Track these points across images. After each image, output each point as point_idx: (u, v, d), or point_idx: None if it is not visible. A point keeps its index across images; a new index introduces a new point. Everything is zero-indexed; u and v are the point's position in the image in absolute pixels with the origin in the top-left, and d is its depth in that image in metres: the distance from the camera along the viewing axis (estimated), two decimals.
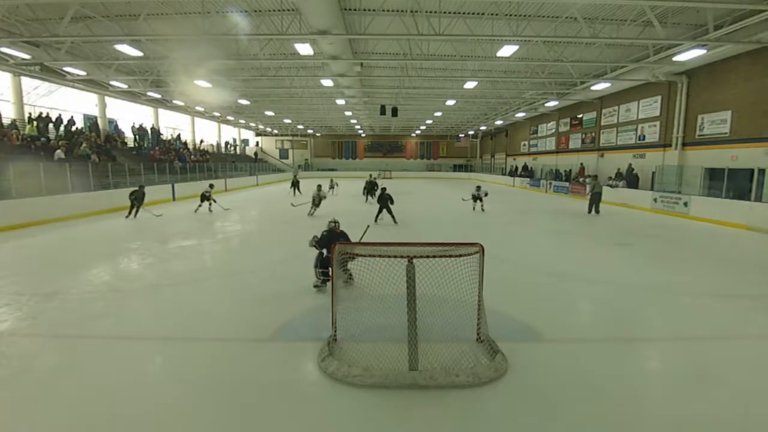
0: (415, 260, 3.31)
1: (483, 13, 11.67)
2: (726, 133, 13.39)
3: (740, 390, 3.20)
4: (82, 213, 12.52)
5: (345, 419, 2.86)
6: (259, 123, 37.75)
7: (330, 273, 4.27)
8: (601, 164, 20.77)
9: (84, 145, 16.54)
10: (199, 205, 13.83)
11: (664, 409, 2.95)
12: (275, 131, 43.20)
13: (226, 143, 37.32)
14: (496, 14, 11.44)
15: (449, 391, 3.13)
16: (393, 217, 11.10)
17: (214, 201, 13.93)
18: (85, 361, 3.65)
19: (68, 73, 16.33)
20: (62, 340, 4.10)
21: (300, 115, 31.99)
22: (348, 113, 29.11)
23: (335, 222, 5.70)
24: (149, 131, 24.26)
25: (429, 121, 34.66)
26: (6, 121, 15.79)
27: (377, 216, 11.14)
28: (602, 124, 20.83)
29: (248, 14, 11.77)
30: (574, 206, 16.54)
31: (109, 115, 21.93)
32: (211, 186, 14.51)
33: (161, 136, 25.65)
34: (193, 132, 31.38)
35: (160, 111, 26.41)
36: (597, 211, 13.59)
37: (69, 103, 20.10)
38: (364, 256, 3.76)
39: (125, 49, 12.23)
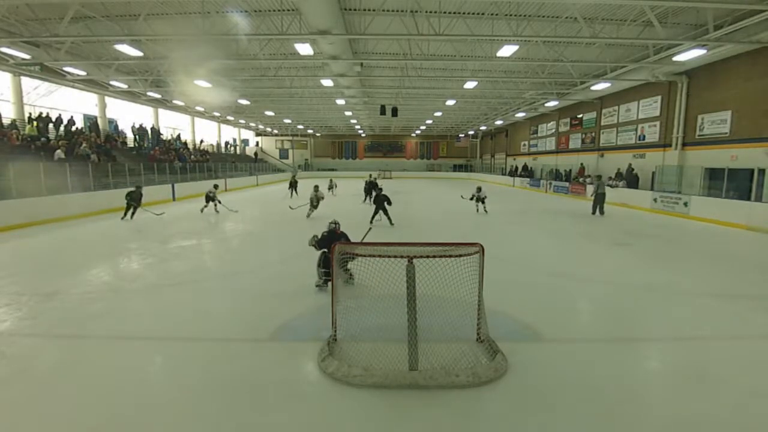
0: (415, 260, 3.31)
1: (483, 13, 11.67)
2: (726, 133, 13.39)
3: (740, 390, 3.19)
4: (82, 213, 12.51)
5: (345, 419, 2.86)
6: (259, 123, 37.76)
7: (331, 273, 4.27)
8: (601, 164, 20.77)
9: (84, 145, 16.54)
10: (205, 206, 13.63)
11: (664, 409, 2.95)
12: (275, 131, 43.20)
13: (226, 143, 37.32)
14: (496, 14, 11.44)
15: (449, 391, 3.13)
16: (389, 218, 10.90)
17: (219, 202, 13.71)
18: (85, 361, 3.65)
19: (68, 73, 16.33)
20: (62, 340, 4.10)
21: (300, 115, 32.00)
22: (348, 113, 29.11)
23: (336, 223, 5.70)
24: (149, 131, 24.27)
25: (429, 121, 34.67)
26: (6, 121, 15.79)
27: (372, 217, 10.90)
28: (602, 124, 20.82)
29: (248, 14, 11.77)
30: (574, 206, 16.54)
31: (109, 115, 21.93)
32: (216, 186, 14.27)
33: (161, 136, 25.65)
34: (193, 132, 31.39)
35: (160, 111, 26.42)
36: (602, 212, 13.38)
37: (69, 103, 20.11)
38: (365, 256, 3.76)
39: (125, 49, 12.23)
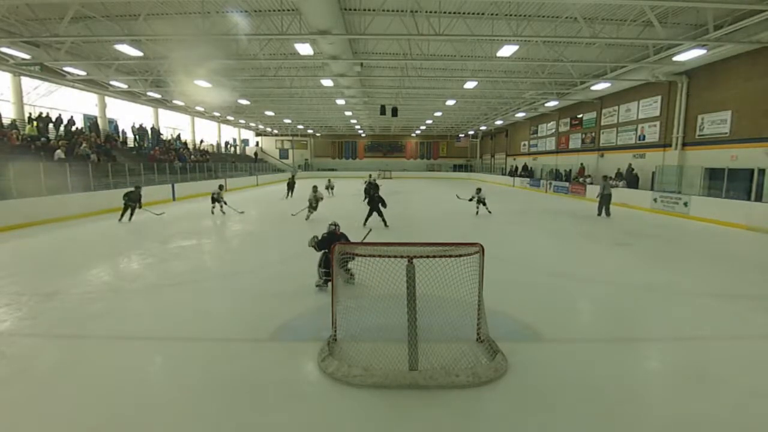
0: (415, 260, 3.31)
1: (483, 13, 11.67)
2: (726, 133, 13.39)
3: (740, 390, 3.19)
4: (82, 213, 12.51)
5: (345, 419, 2.86)
6: (259, 123, 37.76)
7: (332, 273, 4.28)
8: (601, 164, 20.77)
9: (84, 145, 16.54)
10: (213, 207, 13.45)
11: (664, 409, 2.95)
12: (275, 131, 43.20)
13: (226, 143, 37.32)
14: (496, 14, 11.44)
15: (449, 391, 3.13)
16: (384, 220, 10.57)
17: (225, 203, 13.52)
18: (85, 361, 3.65)
19: (68, 73, 16.33)
20: (62, 340, 4.10)
21: (300, 115, 32.00)
22: (348, 113, 29.11)
23: (335, 225, 5.71)
24: (149, 131, 24.27)
25: (429, 121, 34.67)
26: (6, 121, 15.79)
27: (366, 219, 10.43)
28: (602, 124, 20.82)
29: (248, 14, 11.77)
30: (574, 206, 16.54)
31: (109, 115, 21.94)
32: (221, 187, 13.99)
33: (161, 136, 25.65)
34: (193, 132, 31.39)
35: (160, 111, 26.42)
36: (608, 213, 13.08)
37: (69, 103, 20.11)
38: (365, 256, 3.76)
39: (125, 49, 12.23)
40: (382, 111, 21.13)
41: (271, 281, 6.08)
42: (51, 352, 3.86)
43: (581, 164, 22.14)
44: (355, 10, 11.56)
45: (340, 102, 22.83)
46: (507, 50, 12.10)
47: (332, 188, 20.76)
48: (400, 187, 27.44)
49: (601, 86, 17.43)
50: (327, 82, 17.35)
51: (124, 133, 22.73)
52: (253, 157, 39.34)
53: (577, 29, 12.09)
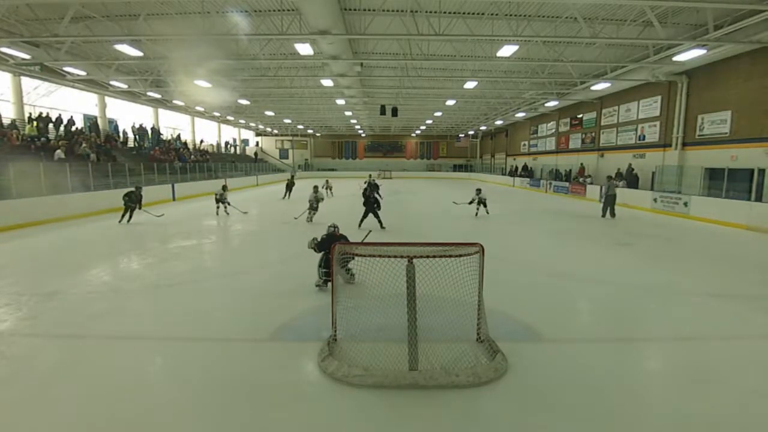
0: (415, 260, 3.31)
1: (483, 13, 11.67)
2: (726, 133, 13.39)
3: (740, 390, 3.19)
4: (82, 213, 12.51)
5: (345, 419, 2.86)
6: (259, 123, 37.76)
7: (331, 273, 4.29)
8: (601, 164, 20.78)
9: (84, 145, 16.54)
10: (217, 207, 13.30)
11: (664, 409, 2.95)
12: (275, 131, 43.20)
13: (226, 143, 37.32)
14: (496, 14, 11.44)
15: (449, 391, 3.13)
16: (380, 221, 10.29)
17: (229, 203, 13.39)
18: (85, 361, 3.65)
19: (68, 73, 16.33)
20: (62, 340, 4.10)
21: (300, 115, 32.00)
22: (348, 113, 29.11)
23: (334, 227, 5.70)
24: (149, 131, 24.27)
25: (429, 121, 34.67)
26: (6, 121, 15.78)
27: (361, 221, 10.24)
28: (602, 124, 20.83)
29: (248, 14, 11.78)
30: (574, 206, 16.55)
31: (109, 115, 21.94)
32: (224, 188, 13.78)
33: (161, 136, 25.65)
34: (193, 132, 31.39)
35: (160, 111, 26.41)
36: (612, 214, 12.75)
37: (69, 103, 20.11)
38: (365, 256, 3.76)
39: (125, 49, 12.23)
40: (382, 111, 21.12)
41: (271, 281, 6.08)
42: (51, 352, 3.86)
43: (581, 164, 22.14)
44: (355, 10, 11.56)
45: (340, 102, 22.83)
46: (507, 50, 12.09)
47: (330, 188, 20.42)
48: (400, 187, 27.45)
49: (601, 86, 17.43)
50: (327, 82, 17.35)
51: (124, 133, 22.73)
52: (253, 157, 39.34)
53: (577, 29, 12.09)
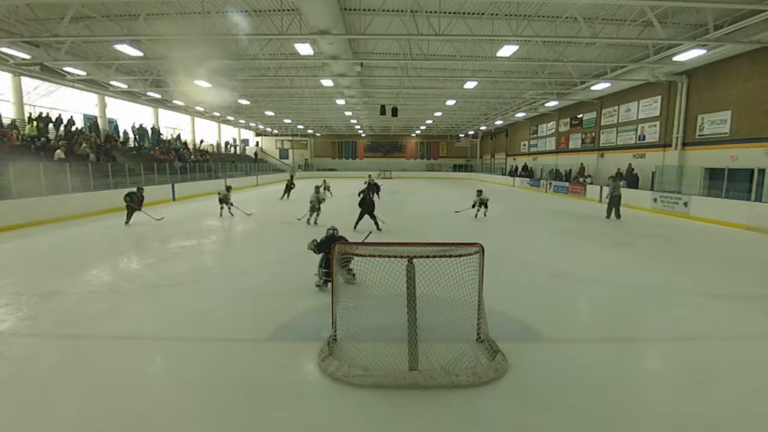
0: (415, 260, 3.31)
1: (483, 13, 11.67)
2: (726, 133, 13.39)
3: (740, 390, 3.19)
4: (82, 213, 12.50)
5: (345, 419, 2.86)
6: (259, 123, 37.75)
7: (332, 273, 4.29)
8: (601, 164, 20.78)
9: (84, 145, 16.53)
10: (221, 208, 13.12)
11: (664, 409, 2.95)
12: (275, 131, 43.19)
13: (226, 143, 37.31)
14: (496, 14, 11.44)
15: (449, 391, 3.13)
16: (377, 223, 10.17)
17: (232, 204, 13.20)
18: (85, 361, 3.64)
19: (68, 73, 16.33)
20: (62, 340, 4.10)
21: (300, 115, 31.99)
22: (348, 113, 29.11)
23: (334, 229, 5.71)
24: (149, 131, 24.27)
25: (429, 121, 34.67)
26: (6, 121, 15.78)
27: (357, 223, 10.10)
28: (602, 124, 20.83)
29: (248, 14, 11.78)
30: (574, 206, 16.55)
31: (109, 115, 21.93)
32: (228, 188, 13.51)
33: (161, 136, 25.65)
34: (193, 132, 31.38)
35: (160, 111, 26.41)
36: (617, 215, 12.48)
37: (69, 103, 20.10)
38: (365, 256, 3.76)
39: (125, 49, 12.23)
40: (382, 111, 21.12)
41: (271, 281, 6.08)
42: (51, 352, 3.85)
43: (581, 164, 22.14)
44: (355, 10, 11.56)
45: (340, 102, 22.82)
46: (507, 50, 12.09)
47: (329, 188, 19.79)
48: (399, 187, 27.44)
49: (601, 86, 17.43)
50: (327, 82, 17.34)
51: (124, 133, 22.73)
52: (253, 157, 39.33)
53: (577, 29, 12.09)
